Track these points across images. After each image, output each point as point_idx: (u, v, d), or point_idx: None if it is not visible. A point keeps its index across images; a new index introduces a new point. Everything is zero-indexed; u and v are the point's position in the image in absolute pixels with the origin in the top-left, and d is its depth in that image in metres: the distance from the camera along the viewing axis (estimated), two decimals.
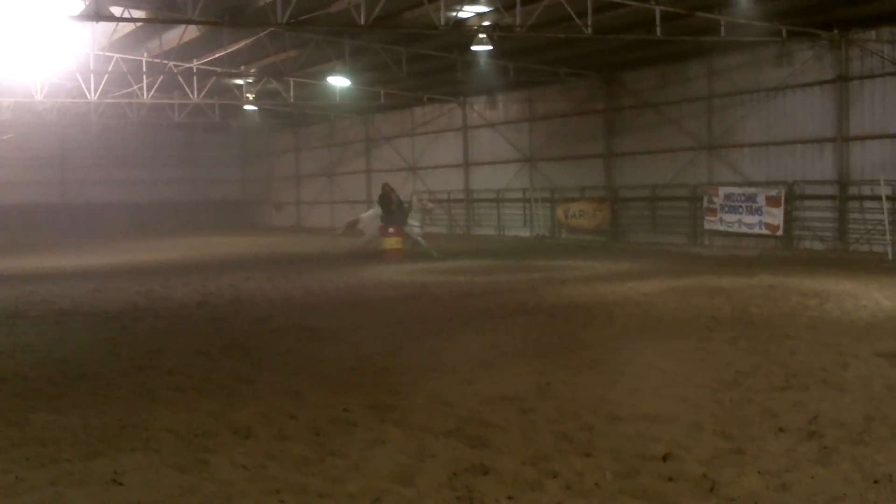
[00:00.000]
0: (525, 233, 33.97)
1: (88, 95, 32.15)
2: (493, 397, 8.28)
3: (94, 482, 6.07)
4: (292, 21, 21.21)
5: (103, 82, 32.18)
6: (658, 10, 20.92)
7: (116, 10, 23.88)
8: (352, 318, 14.09)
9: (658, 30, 21.35)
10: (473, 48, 24.00)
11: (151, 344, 11.89)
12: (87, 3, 23.01)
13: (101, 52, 29.61)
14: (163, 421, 7.70)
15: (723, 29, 22.27)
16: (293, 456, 6.61)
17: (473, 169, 37.77)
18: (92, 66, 30.71)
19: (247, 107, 40.53)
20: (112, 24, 26.12)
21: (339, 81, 32.43)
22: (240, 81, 35.69)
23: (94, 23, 24.34)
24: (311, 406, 8.14)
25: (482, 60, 27.62)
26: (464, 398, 8.31)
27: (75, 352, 11.42)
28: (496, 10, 22.54)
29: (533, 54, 28.10)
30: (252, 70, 32.40)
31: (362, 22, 20.39)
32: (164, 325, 13.77)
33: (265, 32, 25.56)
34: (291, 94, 35.02)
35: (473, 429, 7.19)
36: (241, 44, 27.53)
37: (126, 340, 12.31)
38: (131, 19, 23.99)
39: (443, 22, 21.03)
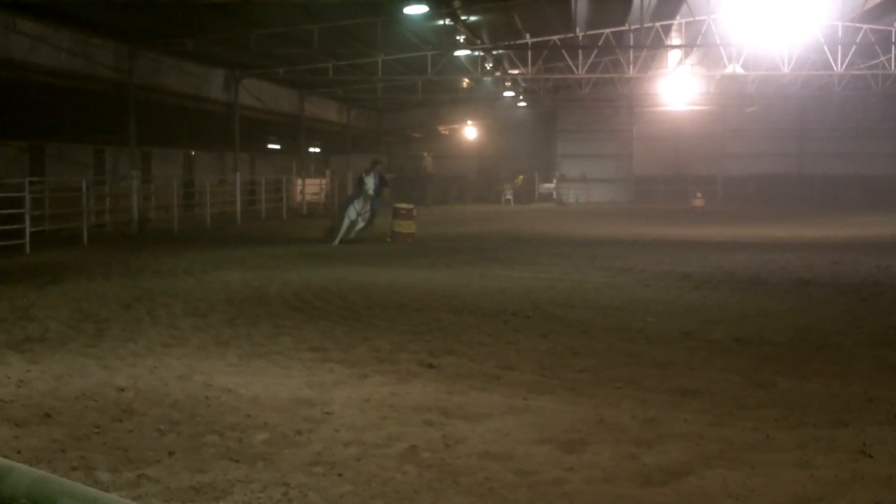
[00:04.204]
0: None
1: (834, 67, 31.98)
2: None
3: (841, 450, 6.16)
4: None
5: (850, 54, 31.74)
6: None
7: None
8: None
9: None
10: None
11: (893, 319, 11.64)
12: None
13: (849, 24, 29.26)
14: None
15: None
16: None
17: None
18: (840, 38, 30.50)
19: None
20: None
21: None
22: None
23: None
24: None
25: None
26: None
27: (815, 321, 11.63)
28: None
29: None
30: None
31: None
32: None
33: None
34: None
35: None
36: None
37: (866, 314, 12.21)
38: None
39: None
